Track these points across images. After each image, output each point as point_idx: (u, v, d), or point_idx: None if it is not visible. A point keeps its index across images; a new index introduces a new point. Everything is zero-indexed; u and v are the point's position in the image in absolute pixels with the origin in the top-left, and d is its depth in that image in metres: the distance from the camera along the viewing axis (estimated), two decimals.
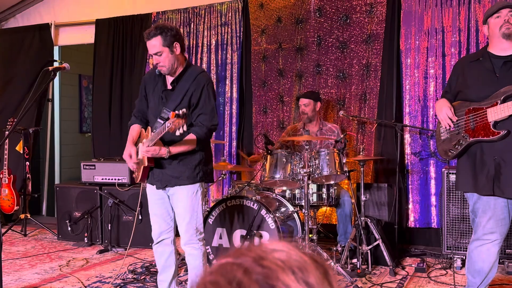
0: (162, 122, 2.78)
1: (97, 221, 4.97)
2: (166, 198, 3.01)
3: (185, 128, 2.53)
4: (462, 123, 2.77)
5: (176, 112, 2.48)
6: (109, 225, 4.86)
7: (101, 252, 4.73)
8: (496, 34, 2.70)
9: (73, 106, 7.64)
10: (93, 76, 6.22)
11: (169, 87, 2.94)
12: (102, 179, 5.05)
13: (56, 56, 6.60)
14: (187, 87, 2.87)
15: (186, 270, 3.82)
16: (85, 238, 4.97)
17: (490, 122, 2.63)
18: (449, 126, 2.81)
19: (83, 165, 5.16)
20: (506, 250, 3.71)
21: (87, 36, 6.28)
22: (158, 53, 2.81)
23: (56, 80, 6.95)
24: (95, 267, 4.26)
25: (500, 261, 3.75)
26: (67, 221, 5.07)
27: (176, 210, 2.98)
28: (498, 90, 2.63)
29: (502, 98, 2.60)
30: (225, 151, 5.45)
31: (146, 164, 2.88)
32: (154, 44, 2.80)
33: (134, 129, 3.07)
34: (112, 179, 4.98)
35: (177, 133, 2.55)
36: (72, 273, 4.08)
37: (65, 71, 3.11)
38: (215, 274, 0.62)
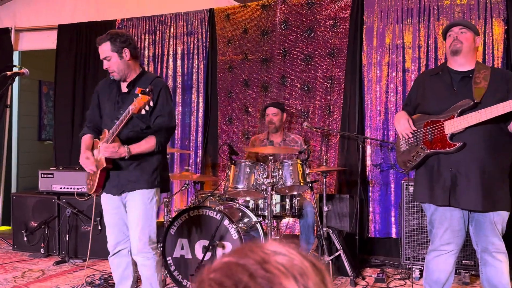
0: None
1: (54, 231, 4.82)
2: (122, 207, 2.96)
3: (151, 104, 2.55)
4: (421, 135, 2.83)
5: (142, 89, 2.52)
6: (67, 235, 4.72)
7: (58, 263, 4.59)
8: (448, 52, 2.83)
9: (33, 113, 7.42)
10: (55, 83, 6.08)
11: (125, 90, 2.95)
12: (61, 188, 4.92)
13: (16, 61, 6.42)
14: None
15: None
16: (42, 249, 4.81)
17: (447, 134, 2.70)
18: (408, 137, 2.87)
19: (41, 173, 5.02)
20: (463, 261, 3.82)
21: (48, 41, 6.14)
22: (107, 57, 2.87)
23: (15, 86, 6.74)
24: (51, 279, 4.13)
25: (457, 271, 3.86)
26: (23, 231, 4.89)
27: (130, 217, 2.92)
28: (455, 103, 2.71)
29: (458, 111, 2.68)
30: (190, 161, 5.41)
31: (104, 165, 2.81)
32: (103, 50, 2.87)
33: (87, 139, 3.04)
34: (70, 188, 4.86)
35: (143, 111, 2.56)
36: (27, 285, 3.94)
37: (25, 76, 3.04)
38: (220, 273, 0.64)
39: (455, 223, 2.71)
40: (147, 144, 2.84)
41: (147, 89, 2.54)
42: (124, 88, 2.97)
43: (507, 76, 2.77)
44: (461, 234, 2.74)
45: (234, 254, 0.66)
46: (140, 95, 2.53)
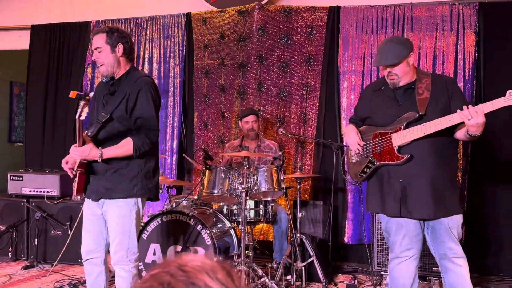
0: (99, 125, 2.71)
1: (23, 235, 4.71)
2: (100, 215, 2.82)
3: (86, 109, 2.53)
4: (370, 147, 2.87)
5: (77, 92, 2.50)
6: (36, 239, 4.61)
7: (26, 268, 4.47)
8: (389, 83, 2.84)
9: (3, 114, 7.25)
10: (27, 84, 5.96)
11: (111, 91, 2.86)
12: (30, 191, 4.80)
13: None
14: (126, 91, 2.76)
15: None
16: (10, 253, 4.69)
17: (395, 147, 2.74)
18: (358, 150, 2.91)
19: (10, 175, 4.90)
20: (433, 268, 3.88)
21: (21, 42, 6.02)
22: (98, 48, 2.77)
23: None
24: (19, 284, 4.02)
25: (427, 278, 3.92)
26: None
27: (108, 227, 2.81)
28: (401, 115, 2.75)
29: (404, 123, 2.72)
30: (166, 165, 5.37)
31: (76, 167, 2.72)
32: (97, 40, 2.78)
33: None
34: (40, 192, 4.75)
35: (82, 117, 2.54)
36: None
37: None
38: (149, 281, 0.80)
39: (412, 228, 2.75)
40: (123, 147, 2.70)
41: (83, 93, 2.46)
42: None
43: (447, 82, 2.80)
44: (419, 238, 2.78)
45: (158, 267, 0.82)
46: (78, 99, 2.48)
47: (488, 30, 4.46)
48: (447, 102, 2.72)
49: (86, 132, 2.79)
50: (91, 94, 2.52)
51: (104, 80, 2.89)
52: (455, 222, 2.72)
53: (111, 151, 2.69)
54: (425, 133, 2.65)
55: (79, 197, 2.83)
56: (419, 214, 2.71)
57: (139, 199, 2.80)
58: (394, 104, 2.82)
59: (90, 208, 2.85)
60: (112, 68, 2.79)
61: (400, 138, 2.72)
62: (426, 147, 2.70)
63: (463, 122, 2.55)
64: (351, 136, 2.93)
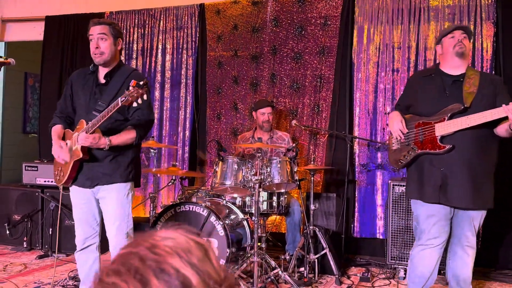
0: (97, 114, 2.72)
1: (37, 225, 4.75)
2: (93, 201, 2.90)
3: (145, 97, 2.51)
4: (412, 136, 2.94)
5: (137, 82, 2.48)
6: (50, 229, 4.66)
7: (40, 257, 4.52)
8: (450, 52, 2.90)
9: (17, 105, 7.29)
10: (41, 75, 5.99)
11: (103, 81, 2.91)
12: (45, 181, 4.84)
13: (1, 52, 6.30)
14: (122, 81, 2.86)
15: None
16: (24, 243, 4.74)
17: (437, 136, 2.81)
18: (400, 137, 2.97)
19: (25, 166, 4.94)
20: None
21: (35, 33, 6.04)
22: (104, 36, 2.82)
23: (0, 78, 6.63)
24: (33, 273, 4.07)
25: (441, 272, 3.88)
26: (6, 225, 4.82)
27: (106, 213, 2.88)
28: (447, 106, 2.81)
29: (449, 115, 2.80)
30: (177, 156, 5.37)
31: (81, 155, 2.75)
32: (102, 28, 2.84)
33: (57, 129, 2.99)
34: (55, 182, 4.77)
35: (135, 104, 2.52)
36: (9, 278, 3.87)
37: (10, 66, 2.96)
38: (116, 263, 0.72)
39: (443, 218, 2.83)
40: (127, 136, 2.81)
41: (141, 83, 2.48)
42: (101, 79, 2.93)
43: (495, 81, 2.91)
44: (447, 229, 2.86)
45: (128, 246, 0.75)
46: (132, 88, 2.48)
47: (507, 20, 4.37)
48: (493, 99, 2.80)
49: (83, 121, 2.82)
50: (145, 80, 2.54)
51: (90, 69, 2.95)
52: (480, 214, 2.83)
53: (117, 139, 2.78)
54: (469, 124, 2.72)
55: (62, 186, 2.90)
56: (458, 202, 2.79)
57: (132, 184, 2.93)
58: (441, 94, 2.89)
59: (79, 197, 2.91)
60: (110, 58, 2.87)
61: (444, 128, 2.80)
62: (468, 138, 2.77)
63: (506, 118, 2.63)
64: (395, 123, 3.00)
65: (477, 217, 2.83)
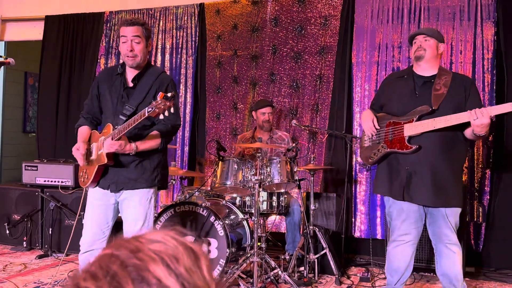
0: (124, 119, 2.69)
1: (37, 225, 4.75)
2: (111, 205, 2.83)
3: (172, 110, 2.46)
4: (383, 134, 3.04)
5: (165, 94, 2.43)
6: (50, 229, 4.66)
7: (40, 257, 4.52)
8: (412, 57, 3.05)
9: (17, 105, 7.30)
10: (39, 74, 5.99)
11: (130, 84, 2.84)
12: (45, 181, 4.84)
13: (1, 51, 6.30)
14: (150, 85, 2.80)
15: None
16: (24, 242, 4.74)
17: (406, 136, 2.92)
18: (372, 135, 3.08)
19: (25, 165, 4.94)
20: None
21: (35, 32, 6.04)
22: (137, 38, 2.75)
23: (0, 77, 6.63)
24: (33, 273, 4.07)
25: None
26: (6, 224, 4.81)
27: (127, 216, 2.82)
28: (416, 107, 2.91)
29: (417, 116, 2.90)
30: (176, 156, 5.37)
31: (105, 161, 2.70)
32: (135, 30, 2.76)
33: (84, 130, 2.92)
34: (55, 181, 4.78)
35: (161, 116, 2.47)
36: (8, 278, 3.87)
37: (10, 66, 2.96)
38: (95, 265, 0.65)
39: (411, 215, 2.93)
40: (153, 141, 2.76)
41: (169, 95, 2.42)
42: (129, 81, 2.86)
43: (466, 82, 2.98)
44: (418, 226, 2.96)
45: (111, 247, 0.67)
46: (159, 99, 2.41)
47: (507, 20, 4.37)
48: (463, 101, 2.89)
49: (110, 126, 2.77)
50: (172, 92, 2.49)
51: (118, 71, 2.87)
52: (452, 212, 2.91)
53: (143, 145, 2.74)
54: (435, 127, 2.82)
55: (89, 187, 2.85)
56: (420, 200, 2.90)
57: (156, 189, 2.89)
58: (411, 94, 2.99)
59: (99, 198, 2.84)
60: (143, 61, 2.82)
61: (412, 129, 2.89)
62: (435, 139, 2.87)
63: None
64: (367, 121, 3.11)
65: (450, 214, 2.89)
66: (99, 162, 2.76)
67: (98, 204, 2.85)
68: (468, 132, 2.85)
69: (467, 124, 2.79)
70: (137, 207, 2.80)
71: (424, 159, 2.87)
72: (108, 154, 2.70)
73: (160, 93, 2.47)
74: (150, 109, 2.44)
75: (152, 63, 5.46)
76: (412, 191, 2.89)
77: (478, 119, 2.66)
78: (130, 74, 2.86)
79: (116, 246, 0.67)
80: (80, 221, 4.41)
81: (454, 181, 2.93)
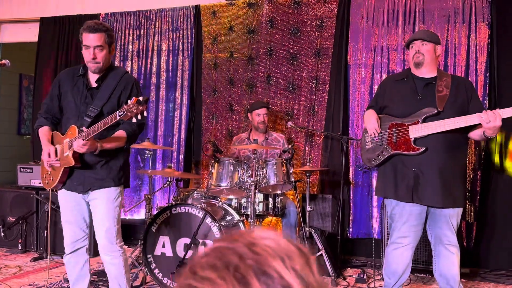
0: (89, 120, 2.71)
1: (32, 227, 4.73)
2: (83, 204, 2.89)
3: (145, 114, 2.49)
4: (386, 136, 3.03)
5: (138, 98, 2.45)
6: (45, 231, 4.64)
7: (35, 259, 4.50)
8: (411, 62, 3.04)
9: (12, 107, 7.27)
10: (34, 76, 5.97)
11: (94, 85, 2.85)
12: (40, 183, 4.78)
13: None
14: (114, 86, 2.82)
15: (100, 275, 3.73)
16: (19, 245, 4.72)
17: (411, 138, 2.91)
18: (374, 135, 3.05)
19: (20, 168, 4.92)
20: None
21: (30, 34, 6.02)
22: (100, 47, 2.76)
23: None
24: (28, 275, 4.05)
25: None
26: (1, 226, 4.79)
27: (96, 216, 2.86)
28: (420, 108, 2.91)
29: (423, 117, 2.89)
30: (172, 158, 5.36)
31: (73, 163, 2.72)
32: (99, 38, 2.76)
33: (45, 131, 2.92)
34: (42, 184, 4.74)
35: (134, 120, 2.49)
36: (3, 280, 3.85)
37: (5, 67, 2.95)
38: (211, 256, 0.65)
39: (413, 218, 2.92)
40: (118, 140, 2.78)
41: (142, 99, 2.44)
42: (93, 82, 2.86)
43: (466, 84, 3.01)
44: (418, 229, 2.95)
45: (224, 240, 0.68)
46: (132, 104, 2.43)
47: (501, 22, 4.39)
48: (465, 103, 2.91)
49: (75, 126, 2.78)
50: (145, 96, 2.52)
51: (80, 72, 2.87)
52: (456, 212, 2.92)
53: (108, 144, 2.76)
54: (444, 129, 2.82)
55: (55, 189, 2.88)
56: (429, 201, 2.89)
57: (122, 187, 2.93)
58: (414, 96, 2.98)
59: (70, 200, 2.89)
60: (104, 66, 2.84)
61: (418, 130, 2.88)
62: (440, 140, 2.87)
63: (479, 124, 2.74)
64: (371, 121, 3.07)
65: (454, 215, 2.91)
66: (66, 164, 2.77)
67: (71, 206, 2.90)
68: (476, 134, 2.87)
69: (471, 126, 2.80)
70: (104, 205, 2.83)
71: (430, 160, 2.87)
72: (75, 156, 2.72)
73: (134, 97, 2.49)
74: (121, 112, 2.46)
75: (148, 65, 5.48)
76: (421, 193, 2.88)
77: (491, 122, 2.66)
78: (93, 76, 2.88)
79: (229, 239, 0.68)
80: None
81: (459, 180, 2.96)
